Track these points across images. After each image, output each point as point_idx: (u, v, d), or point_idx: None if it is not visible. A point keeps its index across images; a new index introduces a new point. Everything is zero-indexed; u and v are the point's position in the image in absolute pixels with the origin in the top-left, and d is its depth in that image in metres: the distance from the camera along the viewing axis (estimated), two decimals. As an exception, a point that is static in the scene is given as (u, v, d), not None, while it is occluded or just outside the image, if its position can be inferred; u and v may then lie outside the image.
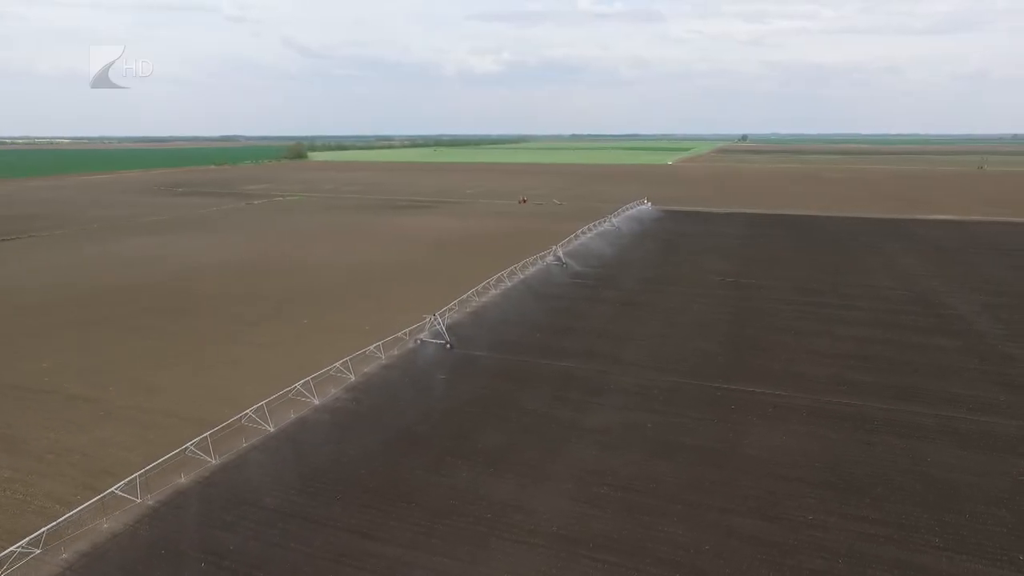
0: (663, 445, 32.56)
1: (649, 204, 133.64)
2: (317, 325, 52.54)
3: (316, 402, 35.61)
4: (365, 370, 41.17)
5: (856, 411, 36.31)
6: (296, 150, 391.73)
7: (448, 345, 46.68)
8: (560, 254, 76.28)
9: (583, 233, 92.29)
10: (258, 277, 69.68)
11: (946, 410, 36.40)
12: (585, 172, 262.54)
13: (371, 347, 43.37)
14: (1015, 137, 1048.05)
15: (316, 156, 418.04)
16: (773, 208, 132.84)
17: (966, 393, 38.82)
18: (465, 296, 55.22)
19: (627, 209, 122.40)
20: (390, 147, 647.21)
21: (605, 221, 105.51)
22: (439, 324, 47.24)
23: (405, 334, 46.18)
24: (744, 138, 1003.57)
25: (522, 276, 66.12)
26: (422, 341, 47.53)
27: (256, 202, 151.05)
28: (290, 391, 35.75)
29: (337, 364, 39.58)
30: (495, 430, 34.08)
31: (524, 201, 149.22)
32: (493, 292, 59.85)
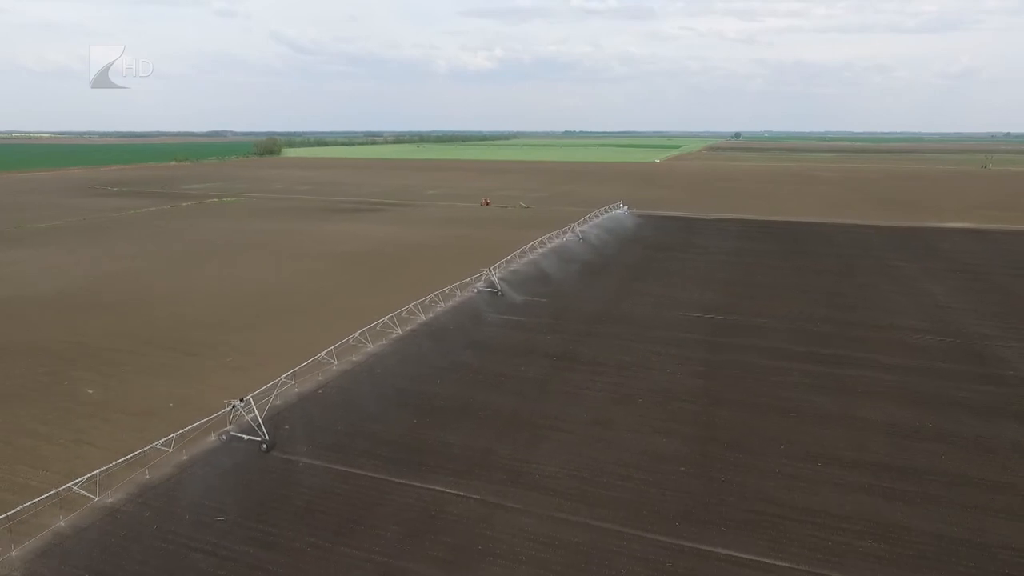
0: None
1: (625, 208, 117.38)
2: (101, 401, 35.83)
3: None
4: (68, 521, 24.55)
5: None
6: (267, 146, 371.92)
7: (264, 446, 30.24)
8: (495, 279, 59.82)
9: (533, 249, 75.83)
10: (89, 313, 52.86)
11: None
12: (566, 170, 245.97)
13: (118, 462, 26.84)
14: (1008, 136, 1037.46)
15: (292, 152, 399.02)
16: (763, 213, 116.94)
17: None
18: (323, 354, 38.52)
19: (598, 215, 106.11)
20: (373, 143, 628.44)
21: (568, 230, 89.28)
22: (253, 413, 30.70)
23: (167, 445, 29.35)
24: (737, 135, 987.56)
25: (424, 318, 48.92)
26: (230, 437, 31.08)
27: (184, 204, 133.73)
28: None
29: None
30: None
31: (487, 203, 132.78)
32: (368, 349, 42.86)
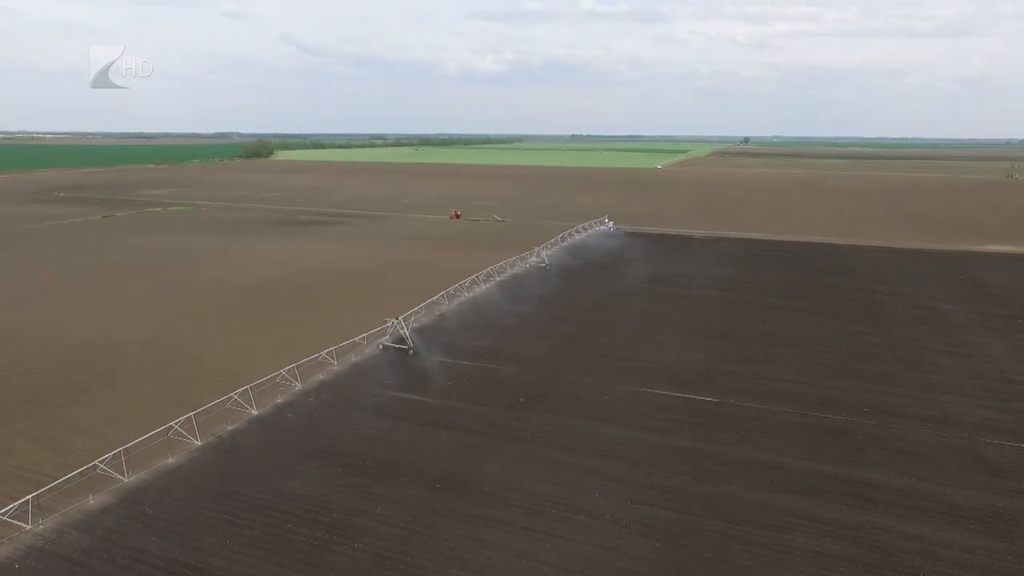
0: None
1: (610, 224, 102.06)
2: None
3: None
4: None
5: None
6: (255, 148, 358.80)
7: None
8: (406, 332, 44.74)
9: (475, 284, 60.54)
10: None
11: None
12: (560, 176, 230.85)
13: None
14: (1023, 142, 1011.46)
15: (284, 155, 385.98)
16: (771, 230, 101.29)
17: None
18: (7, 516, 23.43)
19: (576, 232, 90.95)
20: (373, 146, 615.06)
21: (533, 254, 74.14)
22: None
23: None
24: (746, 140, 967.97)
25: (272, 403, 33.46)
26: None
27: (120, 214, 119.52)
28: None
29: None
30: None
31: (457, 216, 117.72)
32: (128, 483, 27.44)
